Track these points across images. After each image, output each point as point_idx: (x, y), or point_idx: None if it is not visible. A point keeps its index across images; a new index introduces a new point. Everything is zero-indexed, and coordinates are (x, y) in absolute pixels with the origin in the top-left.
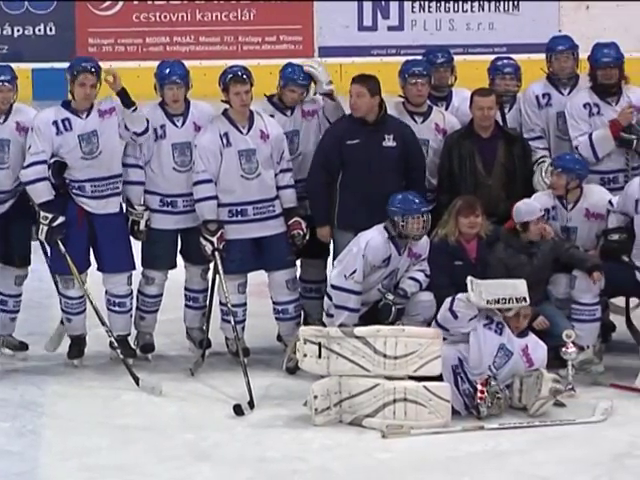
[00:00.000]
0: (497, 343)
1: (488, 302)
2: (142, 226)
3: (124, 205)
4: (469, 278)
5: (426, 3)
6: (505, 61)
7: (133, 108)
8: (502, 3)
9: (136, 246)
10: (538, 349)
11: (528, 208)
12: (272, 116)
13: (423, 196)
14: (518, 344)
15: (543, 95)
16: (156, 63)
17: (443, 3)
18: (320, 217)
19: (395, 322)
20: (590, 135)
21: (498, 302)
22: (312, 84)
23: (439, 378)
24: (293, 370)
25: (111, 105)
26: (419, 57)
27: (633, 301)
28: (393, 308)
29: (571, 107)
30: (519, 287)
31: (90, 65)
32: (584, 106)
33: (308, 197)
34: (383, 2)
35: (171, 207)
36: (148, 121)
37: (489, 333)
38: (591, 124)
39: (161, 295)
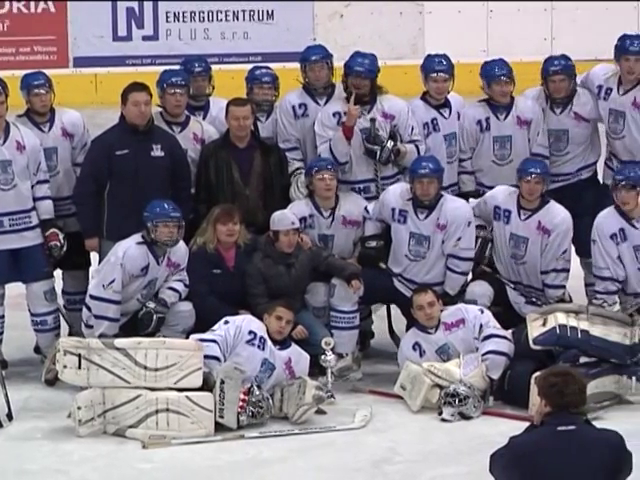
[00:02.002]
0: (260, 358)
1: None
2: None
3: None
4: None
5: (181, 13)
6: (263, 70)
7: None
8: (257, 12)
9: None
10: (301, 361)
11: (280, 218)
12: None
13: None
14: (280, 357)
15: (299, 105)
16: None
17: (198, 12)
18: (88, 228)
19: (155, 332)
20: (330, 141)
21: None
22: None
23: (203, 388)
24: (52, 382)
25: None
26: (176, 66)
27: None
28: (154, 317)
29: (321, 115)
30: None
31: None
32: (333, 115)
33: (76, 207)
34: (137, 6)
35: None
36: None
37: (251, 349)
38: None
39: None
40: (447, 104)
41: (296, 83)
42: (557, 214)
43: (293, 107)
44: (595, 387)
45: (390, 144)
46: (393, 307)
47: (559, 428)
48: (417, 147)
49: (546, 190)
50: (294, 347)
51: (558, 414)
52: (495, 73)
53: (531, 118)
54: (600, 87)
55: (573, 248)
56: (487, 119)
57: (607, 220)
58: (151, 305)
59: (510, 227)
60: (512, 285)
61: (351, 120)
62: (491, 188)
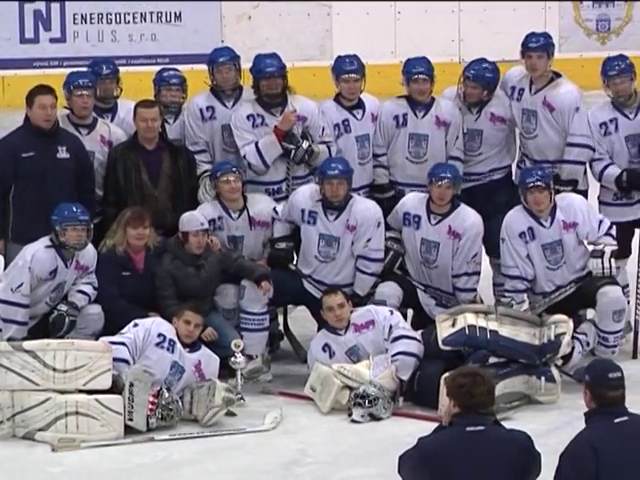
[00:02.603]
0: (169, 361)
1: None
2: None
3: None
4: None
5: (88, 15)
6: (171, 72)
7: None
8: (164, 14)
9: None
10: (211, 363)
11: (189, 219)
12: None
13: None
14: (190, 360)
15: (207, 108)
16: None
17: (105, 14)
18: None
19: (64, 335)
20: (257, 143)
21: None
22: None
23: (112, 390)
24: None
25: None
26: (83, 69)
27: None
28: (67, 319)
29: (235, 119)
30: None
31: None
32: (247, 118)
33: None
34: (44, 8)
35: None
36: None
37: (160, 351)
38: (256, 134)
39: None
40: (361, 105)
41: (204, 85)
42: (467, 218)
43: (201, 110)
44: (504, 387)
45: (305, 144)
46: (302, 308)
47: (468, 429)
48: (329, 148)
49: (457, 194)
50: (204, 350)
51: (467, 415)
52: (412, 71)
53: (450, 120)
54: (513, 88)
55: (483, 249)
56: (404, 115)
57: (516, 219)
58: (63, 308)
59: (420, 232)
60: (422, 287)
61: (286, 125)
62: (403, 185)
